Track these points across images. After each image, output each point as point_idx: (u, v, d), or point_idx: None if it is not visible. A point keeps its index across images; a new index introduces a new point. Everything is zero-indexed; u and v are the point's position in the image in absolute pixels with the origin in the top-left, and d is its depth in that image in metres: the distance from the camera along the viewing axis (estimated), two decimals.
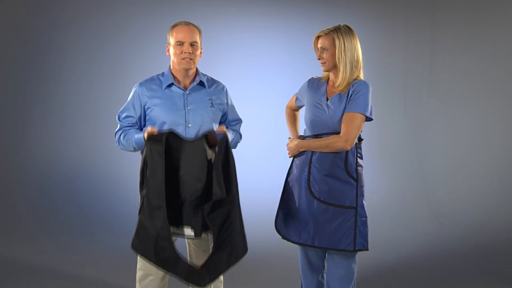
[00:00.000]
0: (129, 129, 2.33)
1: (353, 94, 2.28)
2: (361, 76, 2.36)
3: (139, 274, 2.42)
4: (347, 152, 2.29)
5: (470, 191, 4.78)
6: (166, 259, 2.11)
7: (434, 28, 5.01)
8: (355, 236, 2.28)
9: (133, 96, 2.36)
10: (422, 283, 3.47)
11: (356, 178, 2.31)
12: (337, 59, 2.29)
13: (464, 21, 4.90)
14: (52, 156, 4.37)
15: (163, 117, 2.31)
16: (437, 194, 4.89)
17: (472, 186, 4.79)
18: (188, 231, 2.20)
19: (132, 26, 4.51)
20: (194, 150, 2.19)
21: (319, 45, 2.35)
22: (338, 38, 2.28)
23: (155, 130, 2.17)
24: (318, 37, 2.36)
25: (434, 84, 5.07)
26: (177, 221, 2.19)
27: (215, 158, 2.19)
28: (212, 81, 2.48)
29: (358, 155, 2.35)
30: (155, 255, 2.09)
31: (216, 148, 2.21)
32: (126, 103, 2.38)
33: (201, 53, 2.37)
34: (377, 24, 5.00)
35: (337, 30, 2.29)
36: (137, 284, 2.43)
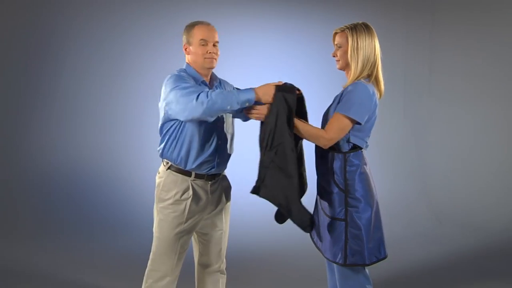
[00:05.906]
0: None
1: (345, 93, 2.19)
2: (380, 77, 2.26)
3: (154, 275, 2.36)
4: (333, 160, 2.21)
5: (470, 191, 4.79)
6: (292, 198, 2.17)
7: (434, 28, 5.02)
8: (345, 249, 2.19)
9: (185, 76, 2.29)
10: (422, 283, 3.47)
11: (344, 189, 2.19)
12: (349, 57, 2.22)
13: (464, 21, 4.90)
14: (52, 156, 4.36)
15: None
16: (437, 194, 4.89)
17: (472, 186, 4.79)
18: None
19: (132, 26, 4.50)
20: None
21: (335, 42, 2.30)
22: (352, 36, 2.21)
23: (281, 81, 2.22)
24: (335, 34, 2.31)
25: (434, 84, 5.07)
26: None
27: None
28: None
29: (348, 163, 2.20)
30: (285, 197, 2.15)
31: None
32: (179, 79, 2.24)
33: None
34: (377, 24, 4.96)
35: (352, 28, 2.23)
36: (151, 285, 2.36)
